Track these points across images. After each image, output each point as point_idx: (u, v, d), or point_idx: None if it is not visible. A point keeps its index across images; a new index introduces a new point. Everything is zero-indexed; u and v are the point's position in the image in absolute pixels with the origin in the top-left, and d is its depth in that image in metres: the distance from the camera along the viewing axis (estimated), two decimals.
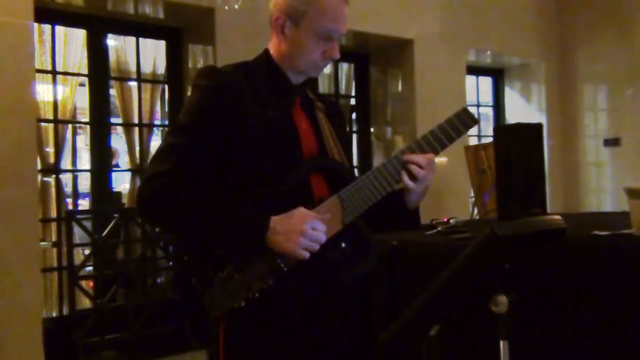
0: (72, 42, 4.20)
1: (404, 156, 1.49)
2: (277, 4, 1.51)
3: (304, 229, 1.34)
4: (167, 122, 4.76)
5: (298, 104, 1.57)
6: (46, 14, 3.89)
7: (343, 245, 1.46)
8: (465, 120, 1.55)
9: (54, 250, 4.05)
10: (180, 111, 1.49)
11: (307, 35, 1.48)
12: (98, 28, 4.22)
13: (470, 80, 6.22)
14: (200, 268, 1.40)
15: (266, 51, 1.57)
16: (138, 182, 4.49)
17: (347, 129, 1.99)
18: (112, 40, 4.43)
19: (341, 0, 1.50)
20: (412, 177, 1.48)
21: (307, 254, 1.35)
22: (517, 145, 2.87)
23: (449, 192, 5.23)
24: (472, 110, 1.65)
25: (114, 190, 4.71)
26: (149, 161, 1.44)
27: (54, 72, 4.07)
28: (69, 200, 4.49)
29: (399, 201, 1.56)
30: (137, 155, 4.48)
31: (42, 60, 4.01)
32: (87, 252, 4.14)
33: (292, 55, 1.52)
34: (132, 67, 4.45)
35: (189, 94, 4.66)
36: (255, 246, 1.35)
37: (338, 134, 1.60)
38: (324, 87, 5.43)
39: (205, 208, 1.37)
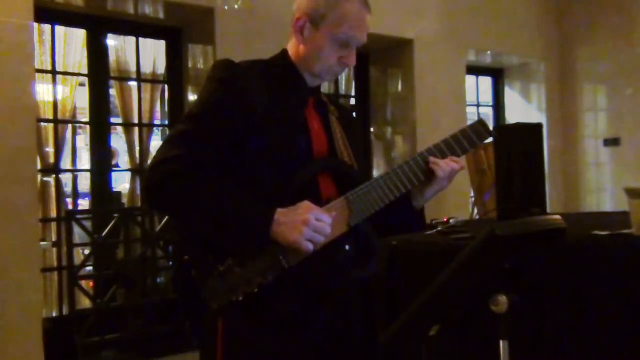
0: (72, 42, 4.20)
1: (426, 155, 1.53)
2: (300, 5, 1.51)
3: (308, 218, 1.32)
4: (167, 122, 4.75)
5: (311, 105, 1.57)
6: (46, 14, 3.89)
7: (347, 247, 1.46)
8: (480, 132, 1.56)
9: (54, 250, 4.05)
10: (184, 110, 1.49)
11: (325, 39, 1.48)
12: (98, 28, 4.22)
13: (470, 80, 6.21)
14: (200, 260, 1.39)
15: (284, 51, 1.58)
16: (138, 182, 4.49)
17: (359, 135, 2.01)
18: (112, 40, 4.42)
19: (363, 8, 1.50)
20: (432, 176, 1.52)
21: (310, 246, 1.33)
22: (517, 145, 2.87)
23: (449, 192, 5.20)
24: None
25: (114, 190, 4.71)
26: (159, 147, 1.44)
27: (54, 72, 4.06)
28: (69, 200, 4.49)
29: (405, 202, 1.57)
30: (137, 155, 4.48)
31: (42, 60, 4.01)
32: (87, 252, 4.14)
33: (309, 58, 1.52)
34: (132, 67, 4.44)
35: (189, 93, 4.67)
36: (259, 237, 1.34)
37: (349, 139, 1.59)
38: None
39: (213, 196, 1.36)
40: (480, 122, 1.59)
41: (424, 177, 1.52)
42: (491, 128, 1.60)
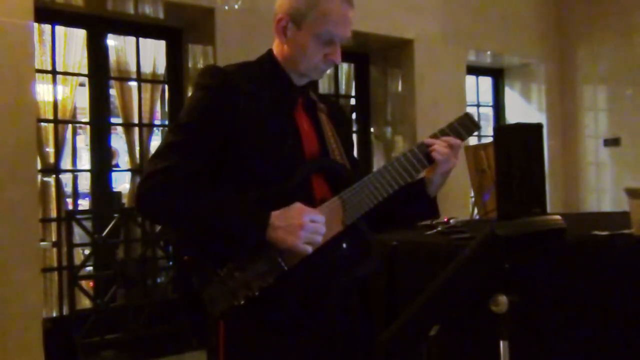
0: (72, 42, 4.20)
1: (423, 143, 1.53)
2: (281, 5, 1.51)
3: (304, 222, 1.33)
4: (167, 122, 4.76)
5: (300, 105, 1.57)
6: (46, 14, 3.89)
7: (344, 246, 1.47)
8: (467, 125, 1.57)
9: (54, 250, 4.05)
10: (182, 110, 1.49)
11: (308, 37, 1.47)
12: (98, 28, 4.22)
13: (470, 80, 6.22)
14: (200, 265, 1.40)
15: (269, 52, 1.57)
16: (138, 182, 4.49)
17: (352, 130, 2.00)
18: (112, 40, 4.43)
19: (345, 4, 1.49)
20: (434, 161, 1.52)
21: (309, 248, 1.34)
22: (517, 145, 2.88)
23: (449, 192, 5.22)
24: (472, 110, 1.67)
25: (114, 190, 4.71)
26: (148, 160, 1.44)
27: (54, 72, 4.06)
28: (69, 200, 4.49)
29: (420, 190, 1.58)
30: (137, 155, 4.48)
31: (42, 60, 4.01)
32: (87, 252, 4.14)
33: (293, 57, 1.51)
34: (132, 67, 4.45)
35: (189, 93, 4.68)
36: (255, 242, 1.35)
37: (340, 136, 1.60)
38: (324, 87, 5.43)
39: (205, 204, 1.37)
40: (467, 116, 1.60)
41: (419, 169, 1.53)
42: (477, 120, 1.62)
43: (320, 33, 1.47)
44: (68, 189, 4.56)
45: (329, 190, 1.50)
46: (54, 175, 4.13)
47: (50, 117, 4.06)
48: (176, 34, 4.52)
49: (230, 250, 1.38)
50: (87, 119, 4.31)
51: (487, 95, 6.81)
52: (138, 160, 4.48)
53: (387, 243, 2.48)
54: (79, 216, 3.99)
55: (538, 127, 2.98)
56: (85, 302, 4.15)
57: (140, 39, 4.43)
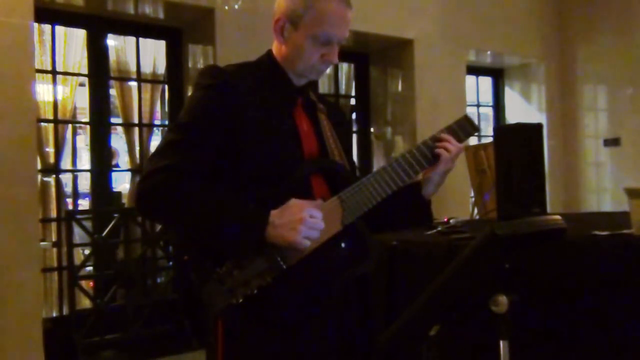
0: (72, 42, 4.20)
1: (422, 144, 1.54)
2: (279, 6, 1.52)
3: (304, 216, 1.33)
4: (167, 122, 4.76)
5: (300, 105, 1.57)
6: (46, 14, 3.89)
7: (343, 245, 1.47)
8: (465, 127, 1.58)
9: (54, 250, 4.05)
10: (182, 110, 1.49)
11: (305, 38, 1.48)
12: (98, 28, 4.22)
13: (470, 80, 6.21)
14: (198, 264, 1.40)
15: (269, 52, 1.58)
16: None
17: (351, 132, 2.01)
18: (112, 40, 4.43)
19: (342, 5, 1.49)
20: (432, 163, 1.54)
21: (307, 243, 1.34)
22: (517, 145, 2.88)
23: (449, 192, 5.22)
24: (472, 110, 1.67)
25: (114, 190, 4.71)
26: (147, 158, 1.44)
27: (54, 72, 4.06)
28: (69, 200, 4.49)
29: (416, 192, 1.58)
30: (137, 155, 4.48)
31: (42, 60, 4.01)
32: (87, 252, 4.14)
33: (291, 58, 1.52)
34: (132, 67, 4.45)
35: (189, 93, 4.69)
36: (254, 241, 1.35)
37: (339, 136, 1.60)
38: (324, 87, 5.43)
39: (204, 203, 1.37)
40: (465, 118, 1.61)
41: (418, 170, 1.53)
42: (476, 123, 1.63)
43: (316, 34, 1.47)
44: (68, 189, 4.56)
45: (328, 190, 1.50)
46: (54, 175, 4.13)
47: (50, 117, 4.06)
48: (176, 34, 4.52)
49: (229, 249, 1.38)
50: (87, 119, 4.31)
51: (487, 95, 6.81)
52: (138, 160, 4.48)
53: (387, 243, 2.48)
54: (79, 216, 3.99)
55: (538, 127, 2.98)
56: (85, 302, 4.15)
57: (140, 39, 4.43)
